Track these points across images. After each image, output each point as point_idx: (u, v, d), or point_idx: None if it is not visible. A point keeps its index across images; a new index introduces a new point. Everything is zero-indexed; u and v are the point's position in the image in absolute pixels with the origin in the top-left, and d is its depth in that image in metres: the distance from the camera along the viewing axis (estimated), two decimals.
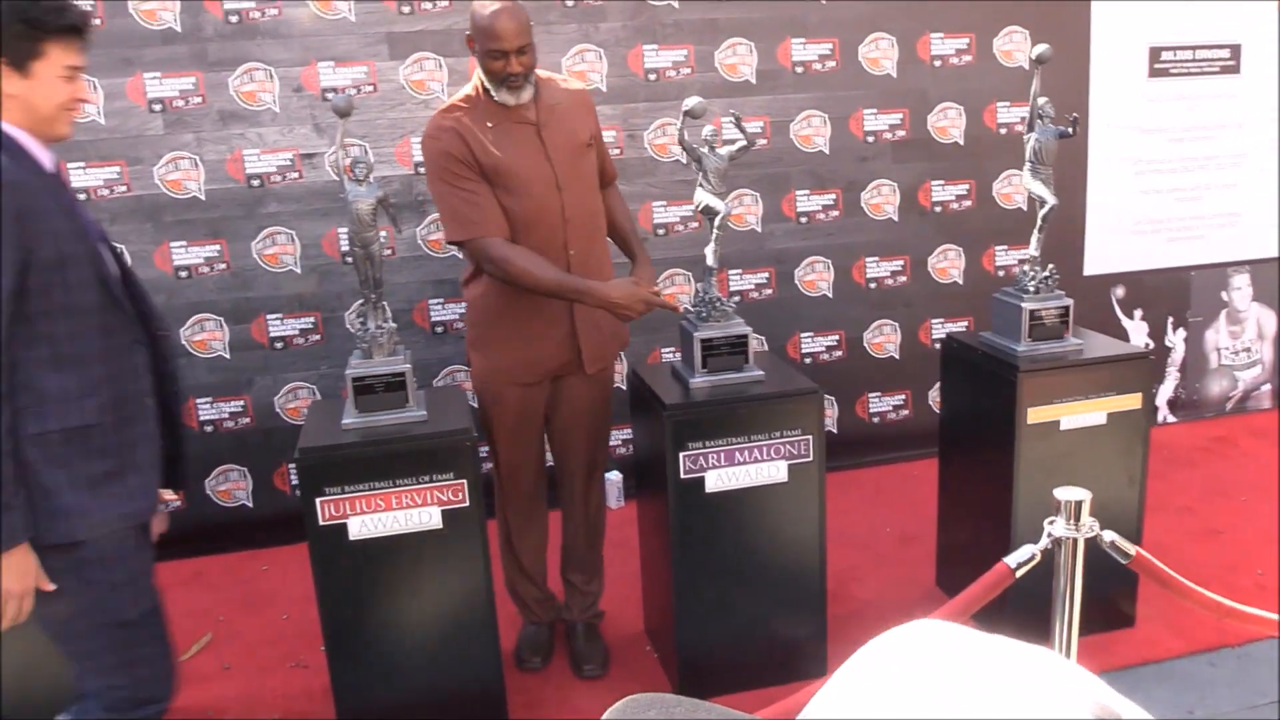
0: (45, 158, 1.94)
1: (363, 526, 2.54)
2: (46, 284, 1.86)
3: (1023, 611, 2.75)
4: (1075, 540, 1.89)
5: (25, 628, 2.42)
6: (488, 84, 2.64)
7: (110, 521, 1.97)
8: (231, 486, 3.94)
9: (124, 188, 3.65)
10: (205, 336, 3.81)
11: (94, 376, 1.93)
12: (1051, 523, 1.91)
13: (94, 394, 1.93)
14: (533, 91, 2.67)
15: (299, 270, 3.82)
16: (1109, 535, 1.95)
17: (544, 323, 2.77)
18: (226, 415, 3.88)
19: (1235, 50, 4.54)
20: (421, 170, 3.54)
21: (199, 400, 3.84)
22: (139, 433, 2.04)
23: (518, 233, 2.69)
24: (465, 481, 2.57)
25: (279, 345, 3.87)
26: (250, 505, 3.96)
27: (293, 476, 3.88)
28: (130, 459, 2.01)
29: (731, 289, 4.20)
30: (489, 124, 2.64)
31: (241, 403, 3.88)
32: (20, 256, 1.81)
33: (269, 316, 3.84)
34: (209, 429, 3.86)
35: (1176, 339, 4.81)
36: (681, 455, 2.69)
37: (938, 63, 4.23)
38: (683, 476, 2.70)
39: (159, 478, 2.12)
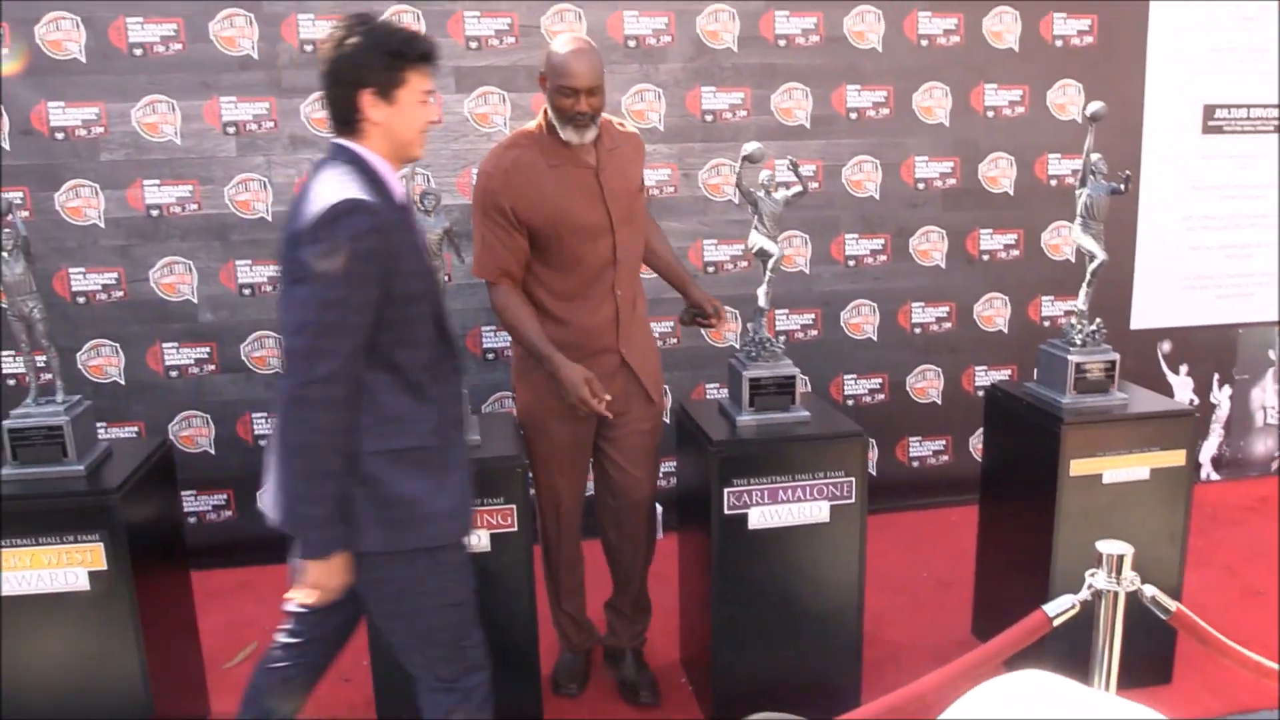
0: (398, 189, 2.07)
1: None
2: (394, 318, 1.99)
3: (1057, 664, 2.76)
4: (1116, 593, 1.91)
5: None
6: (555, 121, 2.71)
7: (440, 537, 2.10)
8: None
9: (195, 206, 3.80)
10: (264, 353, 3.93)
11: (429, 402, 2.06)
12: (1093, 574, 1.93)
13: (427, 419, 2.06)
14: (596, 133, 2.75)
15: None
16: (1150, 590, 1.96)
17: (589, 358, 2.79)
18: None
19: None
20: None
21: (255, 415, 3.96)
22: (454, 457, 2.15)
23: (570, 273, 2.77)
24: (514, 507, 2.64)
25: None
26: None
27: None
28: (446, 480, 2.11)
29: (778, 329, 4.25)
30: (550, 164, 2.72)
31: None
32: (381, 292, 1.95)
33: None
34: (264, 444, 3.96)
35: (1222, 396, 4.79)
36: (726, 491, 2.74)
37: (990, 113, 4.28)
38: (726, 512, 2.75)
39: (471, 497, 2.23)
